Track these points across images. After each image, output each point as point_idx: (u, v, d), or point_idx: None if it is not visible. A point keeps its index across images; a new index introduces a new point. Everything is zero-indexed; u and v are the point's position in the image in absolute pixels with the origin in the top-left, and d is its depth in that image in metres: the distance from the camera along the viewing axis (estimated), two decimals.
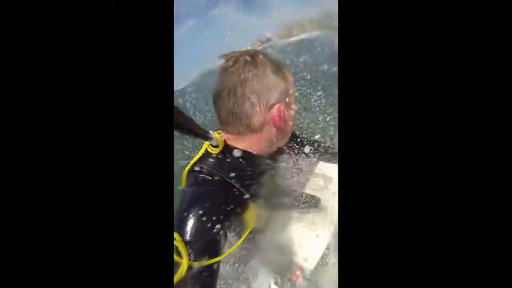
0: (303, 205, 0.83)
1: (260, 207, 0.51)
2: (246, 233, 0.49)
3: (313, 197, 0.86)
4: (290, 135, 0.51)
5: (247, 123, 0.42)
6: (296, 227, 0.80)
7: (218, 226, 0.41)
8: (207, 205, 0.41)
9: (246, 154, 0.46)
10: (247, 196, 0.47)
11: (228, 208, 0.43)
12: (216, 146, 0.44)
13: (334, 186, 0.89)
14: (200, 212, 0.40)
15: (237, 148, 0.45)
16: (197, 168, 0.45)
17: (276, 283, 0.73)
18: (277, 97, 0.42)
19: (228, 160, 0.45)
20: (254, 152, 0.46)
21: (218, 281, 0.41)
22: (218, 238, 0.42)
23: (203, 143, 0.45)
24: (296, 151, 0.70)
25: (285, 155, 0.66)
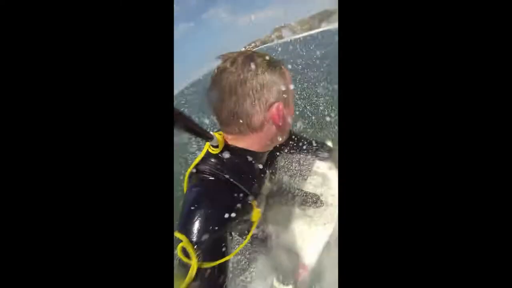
0: (303, 202, 0.83)
1: (262, 205, 0.51)
2: (252, 231, 0.50)
3: (313, 195, 0.86)
4: (289, 132, 0.51)
5: (247, 122, 0.42)
6: (297, 224, 0.81)
7: (223, 225, 0.41)
8: (212, 205, 0.42)
9: (247, 152, 0.46)
10: (250, 195, 0.47)
11: (233, 208, 0.43)
12: (217, 146, 0.45)
13: (332, 184, 0.90)
14: (205, 212, 0.40)
15: (239, 147, 0.46)
16: (199, 169, 0.46)
17: (278, 279, 0.74)
18: (276, 95, 0.42)
19: (230, 159, 0.46)
20: (254, 150, 0.47)
21: (227, 279, 0.42)
22: (224, 237, 0.42)
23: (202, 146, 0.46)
24: (296, 149, 0.70)
25: (284, 153, 0.66)
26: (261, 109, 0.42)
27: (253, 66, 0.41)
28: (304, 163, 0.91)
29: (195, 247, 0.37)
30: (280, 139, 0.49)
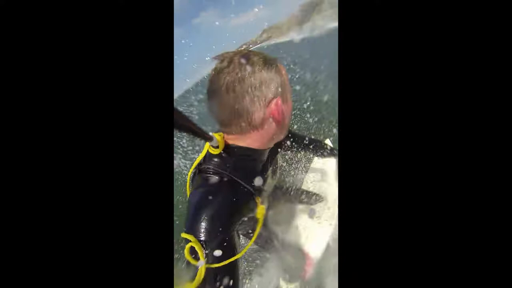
0: (305, 200, 0.84)
1: (266, 202, 0.51)
2: (258, 229, 0.50)
3: (314, 194, 0.87)
4: (288, 128, 0.52)
5: (248, 120, 0.43)
6: (300, 221, 0.81)
7: (230, 224, 0.41)
8: (217, 204, 0.42)
9: (249, 150, 0.47)
10: (253, 192, 0.48)
11: (237, 206, 0.44)
12: (217, 147, 0.45)
13: (332, 180, 0.91)
14: (211, 212, 0.40)
15: (241, 146, 0.46)
16: (202, 169, 0.46)
17: (284, 279, 0.73)
18: (274, 91, 0.43)
19: (232, 158, 0.46)
20: (255, 148, 0.47)
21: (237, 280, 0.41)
22: (231, 236, 0.42)
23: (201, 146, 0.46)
24: (296, 147, 0.71)
25: (284, 151, 0.66)
26: (260, 106, 0.42)
27: (249, 64, 0.41)
28: (303, 161, 0.91)
29: (203, 247, 0.37)
30: (280, 135, 0.49)
